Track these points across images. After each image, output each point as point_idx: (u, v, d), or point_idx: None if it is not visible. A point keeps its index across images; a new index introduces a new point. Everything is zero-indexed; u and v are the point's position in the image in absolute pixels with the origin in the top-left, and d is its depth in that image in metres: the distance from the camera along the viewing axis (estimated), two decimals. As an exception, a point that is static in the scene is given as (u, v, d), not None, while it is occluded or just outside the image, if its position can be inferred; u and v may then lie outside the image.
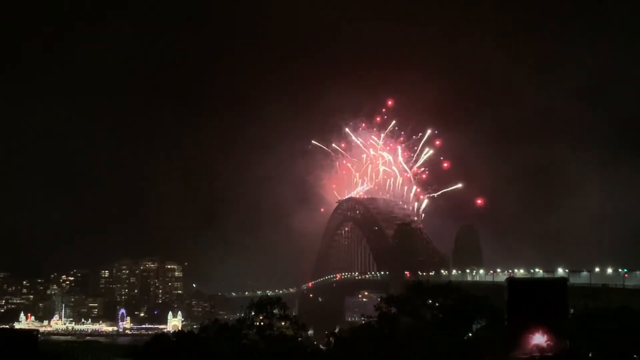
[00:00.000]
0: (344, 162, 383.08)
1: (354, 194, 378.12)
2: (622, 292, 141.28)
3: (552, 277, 71.43)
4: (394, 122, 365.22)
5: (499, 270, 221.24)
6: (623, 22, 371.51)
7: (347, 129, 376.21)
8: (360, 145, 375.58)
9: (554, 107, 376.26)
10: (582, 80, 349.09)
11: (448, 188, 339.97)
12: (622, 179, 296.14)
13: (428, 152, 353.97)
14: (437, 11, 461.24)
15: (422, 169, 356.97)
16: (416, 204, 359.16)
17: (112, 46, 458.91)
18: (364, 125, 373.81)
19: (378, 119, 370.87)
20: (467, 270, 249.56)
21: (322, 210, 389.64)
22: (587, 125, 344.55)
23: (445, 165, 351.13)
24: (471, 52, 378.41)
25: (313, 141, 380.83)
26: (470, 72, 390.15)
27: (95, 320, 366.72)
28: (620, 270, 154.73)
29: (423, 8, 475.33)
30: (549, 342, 65.90)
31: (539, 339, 66.38)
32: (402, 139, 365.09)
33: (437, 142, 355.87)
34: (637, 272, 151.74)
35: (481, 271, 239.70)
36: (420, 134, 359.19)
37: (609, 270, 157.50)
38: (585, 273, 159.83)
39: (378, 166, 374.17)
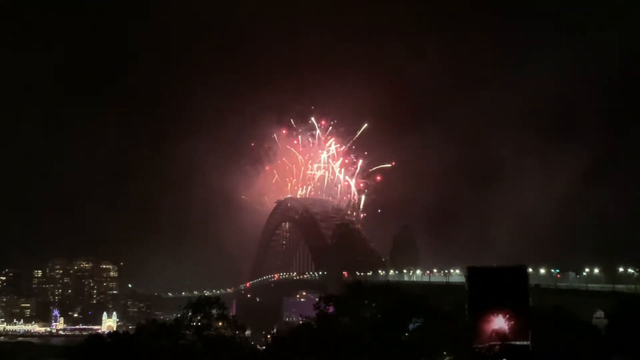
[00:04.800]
0: (284, 162, 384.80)
1: (293, 194, 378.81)
2: (555, 292, 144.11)
3: (512, 264, 71.78)
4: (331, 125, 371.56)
5: (435, 270, 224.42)
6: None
7: (291, 129, 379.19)
8: (292, 149, 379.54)
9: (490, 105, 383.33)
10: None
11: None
12: (555, 177, 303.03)
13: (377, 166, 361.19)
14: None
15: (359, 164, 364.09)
16: (354, 204, 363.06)
17: (35, 37, 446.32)
18: (301, 127, 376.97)
19: (319, 120, 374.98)
20: (405, 271, 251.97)
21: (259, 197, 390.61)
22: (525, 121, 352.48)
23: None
24: (393, 51, 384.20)
25: (252, 143, 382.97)
26: (398, 73, 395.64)
27: (27, 320, 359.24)
28: (552, 270, 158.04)
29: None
30: (509, 325, 66.00)
31: (499, 323, 66.44)
32: (340, 139, 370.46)
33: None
34: (571, 273, 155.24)
35: (418, 271, 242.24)
36: (354, 136, 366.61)
37: (542, 271, 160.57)
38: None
39: (318, 167, 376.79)
